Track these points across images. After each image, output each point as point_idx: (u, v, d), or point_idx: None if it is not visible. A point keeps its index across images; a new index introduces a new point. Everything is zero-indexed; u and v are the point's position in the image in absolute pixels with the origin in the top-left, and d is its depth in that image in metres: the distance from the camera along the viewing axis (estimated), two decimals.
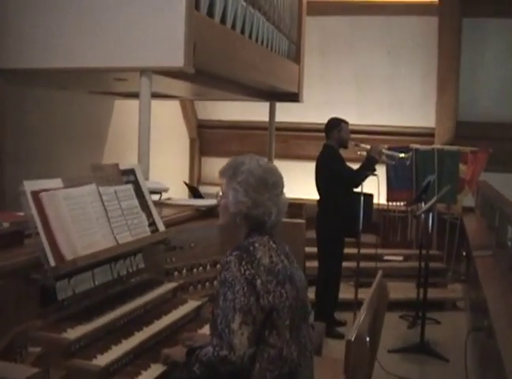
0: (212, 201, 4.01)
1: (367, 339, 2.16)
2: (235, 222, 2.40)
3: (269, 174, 2.39)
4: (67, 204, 2.53)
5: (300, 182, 7.59)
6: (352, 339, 2.06)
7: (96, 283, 2.67)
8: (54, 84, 5.85)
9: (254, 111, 8.99)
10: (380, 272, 2.95)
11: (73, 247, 2.48)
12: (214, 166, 9.66)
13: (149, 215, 3.10)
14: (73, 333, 2.38)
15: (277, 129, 8.06)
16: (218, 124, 10.17)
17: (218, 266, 3.78)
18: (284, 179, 2.45)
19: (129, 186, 3.02)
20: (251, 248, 2.28)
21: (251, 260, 2.24)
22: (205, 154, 10.36)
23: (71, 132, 6.72)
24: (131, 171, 3.13)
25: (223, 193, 2.43)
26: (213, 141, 10.19)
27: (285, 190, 2.45)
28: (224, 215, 2.44)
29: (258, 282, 2.20)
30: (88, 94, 6.93)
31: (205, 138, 10.33)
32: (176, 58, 4.17)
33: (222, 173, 2.43)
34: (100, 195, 2.75)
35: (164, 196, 4.36)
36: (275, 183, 2.39)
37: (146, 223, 3.02)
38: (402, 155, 6.04)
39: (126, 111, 7.48)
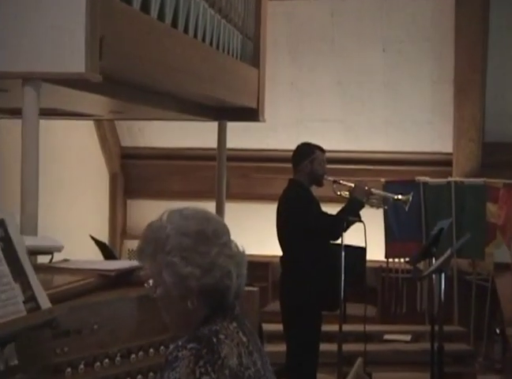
0: (125, 263, 3.93)
1: None
2: (186, 309, 2.28)
3: (204, 222, 2.32)
4: None
5: (265, 232, 7.53)
6: None
7: None
8: None
9: (202, 135, 8.96)
10: (359, 360, 2.91)
11: None
12: (145, 211, 9.61)
13: (27, 286, 3.03)
14: None
15: (234, 158, 8.05)
16: (150, 153, 10.19)
17: (142, 353, 3.71)
18: (244, 227, 2.40)
19: None
20: (214, 340, 2.20)
21: (213, 359, 2.15)
22: (131, 195, 10.34)
23: None
24: (0, 224, 3.07)
25: (153, 280, 2.33)
26: (143, 177, 10.18)
27: (245, 243, 2.39)
28: (169, 309, 2.34)
29: None
30: None
31: (132, 173, 10.33)
32: (75, 61, 4.13)
33: (139, 254, 2.35)
34: None
35: (60, 256, 4.29)
36: (216, 232, 2.32)
37: (21, 298, 2.95)
38: (399, 196, 6.00)
39: (13, 135, 7.42)
